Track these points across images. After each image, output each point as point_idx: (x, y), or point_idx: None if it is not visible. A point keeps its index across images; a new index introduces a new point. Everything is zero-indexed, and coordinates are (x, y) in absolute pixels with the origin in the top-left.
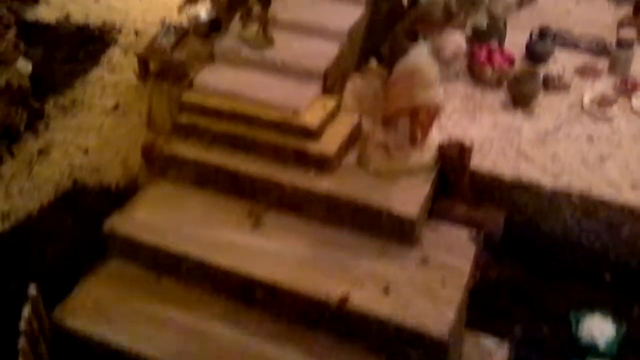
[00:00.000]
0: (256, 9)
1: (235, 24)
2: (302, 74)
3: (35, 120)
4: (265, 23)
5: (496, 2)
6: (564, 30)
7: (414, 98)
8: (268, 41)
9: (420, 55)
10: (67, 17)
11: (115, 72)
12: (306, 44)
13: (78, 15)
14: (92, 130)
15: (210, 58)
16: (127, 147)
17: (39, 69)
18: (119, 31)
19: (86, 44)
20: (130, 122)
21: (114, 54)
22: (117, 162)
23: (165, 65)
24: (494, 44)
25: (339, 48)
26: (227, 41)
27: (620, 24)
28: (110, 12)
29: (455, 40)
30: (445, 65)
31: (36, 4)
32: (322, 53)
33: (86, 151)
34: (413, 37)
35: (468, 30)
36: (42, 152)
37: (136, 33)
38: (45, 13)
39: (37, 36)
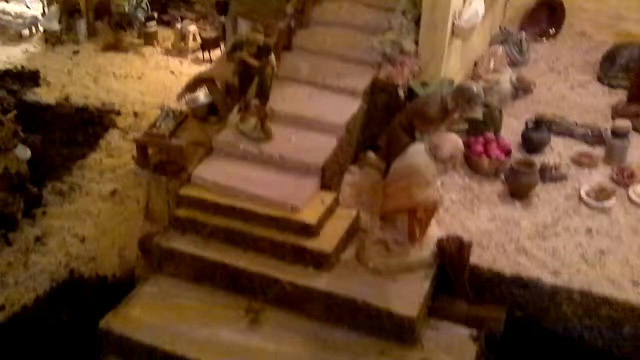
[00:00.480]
0: (254, 102)
1: (234, 115)
2: (300, 169)
3: (33, 206)
4: (263, 117)
5: (492, 93)
6: (559, 117)
7: (412, 197)
8: (266, 135)
9: (417, 154)
10: (66, 98)
11: (114, 156)
12: (304, 137)
13: (77, 97)
14: (89, 217)
15: (209, 147)
16: (124, 236)
17: (38, 153)
18: (118, 113)
19: (85, 126)
20: (127, 209)
21: (113, 137)
22: (114, 251)
23: (164, 152)
24: (490, 134)
25: (337, 142)
26: (226, 134)
27: (615, 111)
28: (109, 94)
29: (452, 139)
30: (443, 164)
31: (37, 86)
32: (320, 147)
33: (83, 239)
34: (410, 132)
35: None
36: (39, 241)
37: (135, 115)
38: (45, 94)
39: (36, 117)
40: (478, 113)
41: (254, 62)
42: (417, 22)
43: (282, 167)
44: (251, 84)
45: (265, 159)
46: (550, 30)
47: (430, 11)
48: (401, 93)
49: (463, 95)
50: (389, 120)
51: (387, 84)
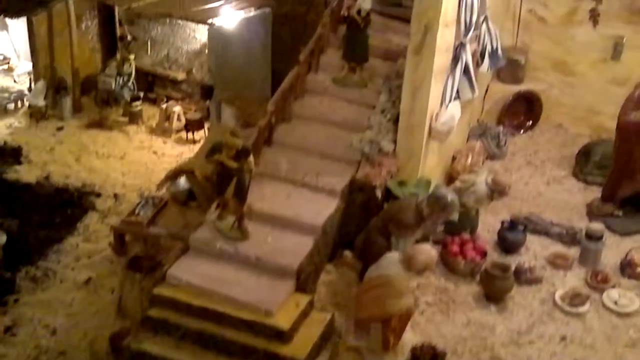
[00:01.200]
0: (233, 201)
1: (212, 212)
2: (275, 271)
3: (5, 293)
4: (241, 217)
5: (468, 194)
6: (535, 216)
7: (386, 308)
8: (243, 234)
9: (391, 264)
10: (47, 177)
11: (91, 240)
12: (281, 238)
13: (58, 176)
14: (61, 307)
15: (186, 243)
16: (95, 328)
17: (14, 237)
18: (98, 195)
19: (64, 207)
20: (101, 299)
21: (91, 220)
22: (84, 345)
23: (141, 240)
24: (466, 235)
25: (313, 243)
26: (203, 231)
27: (590, 209)
28: (90, 174)
29: (426, 250)
30: (417, 274)
31: (18, 163)
32: (296, 249)
33: (54, 331)
34: (386, 235)
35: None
36: (9, 330)
37: (115, 197)
38: (26, 172)
39: (15, 197)
40: (454, 216)
41: (232, 164)
42: (396, 121)
43: (257, 268)
44: (229, 184)
45: (241, 259)
46: (527, 122)
47: (408, 113)
48: (378, 193)
49: (438, 203)
50: (366, 219)
51: (365, 184)
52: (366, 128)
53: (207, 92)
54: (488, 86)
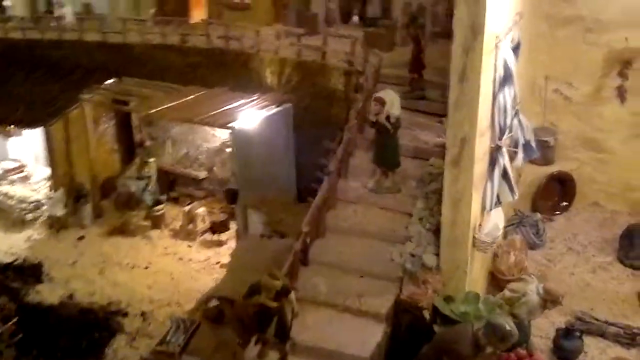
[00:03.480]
0: (274, 341)
1: (251, 349)
2: None
3: None
4: (284, 355)
5: (519, 305)
6: (587, 315)
7: None
8: None
9: None
10: (70, 296)
11: None
12: None
13: (82, 294)
14: None
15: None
16: None
17: None
18: (125, 314)
19: (90, 330)
20: None
21: (119, 344)
22: None
23: None
24: (522, 351)
25: None
26: None
27: None
28: (115, 288)
29: None
30: None
31: (39, 282)
32: None
33: None
34: None
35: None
36: None
37: (143, 316)
38: (49, 292)
39: (38, 321)
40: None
41: (272, 304)
42: (436, 231)
43: None
44: (270, 324)
45: None
46: (562, 203)
47: (450, 226)
48: (427, 315)
49: (496, 333)
50: (415, 344)
51: (411, 305)
52: (405, 239)
53: (232, 196)
54: (520, 171)
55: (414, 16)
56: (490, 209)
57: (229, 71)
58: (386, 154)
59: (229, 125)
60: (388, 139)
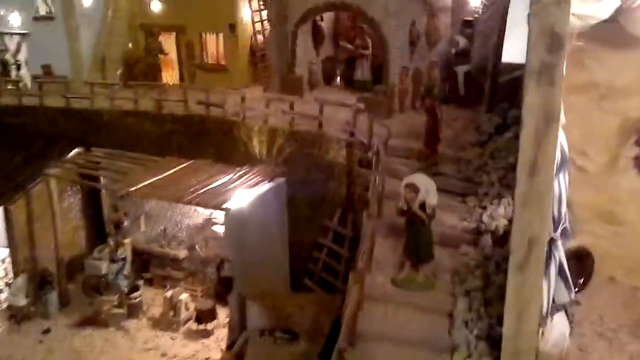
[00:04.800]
0: None
1: None
2: None
3: None
4: None
5: None
6: None
7: None
8: None
9: None
10: None
11: None
12: None
13: None
14: None
15: None
16: None
17: None
18: None
19: None
20: None
21: None
22: None
23: None
24: None
25: None
26: None
27: None
28: None
29: None
30: None
31: None
32: None
33: None
34: None
35: None
36: None
37: None
38: None
39: None
40: None
41: None
42: (488, 338)
43: None
44: None
45: None
46: (579, 280)
47: (513, 339)
48: None
49: None
50: None
51: None
52: (451, 347)
53: (226, 284)
54: None
55: (430, 87)
56: (547, 314)
57: (210, 140)
58: (419, 246)
59: (223, 206)
60: (422, 230)
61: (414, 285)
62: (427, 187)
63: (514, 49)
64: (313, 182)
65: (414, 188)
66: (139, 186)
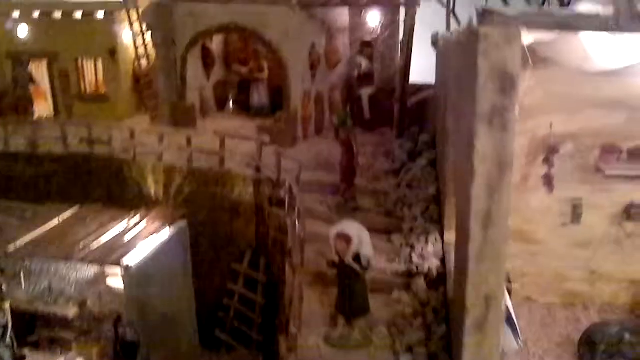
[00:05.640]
0: None
1: None
2: None
3: None
4: None
5: None
6: None
7: None
8: None
9: None
10: None
11: None
12: None
13: None
14: None
15: None
16: None
17: None
18: None
19: None
20: None
21: None
22: None
23: None
24: None
25: None
26: None
27: None
28: None
29: None
30: None
31: None
32: None
33: None
34: None
35: None
36: None
37: None
38: None
39: None
40: None
41: None
42: None
43: None
44: None
45: None
46: None
47: None
48: None
49: None
50: None
51: None
52: None
53: (128, 350)
54: None
55: (343, 118)
56: None
57: (97, 182)
58: (354, 300)
59: (121, 263)
60: (356, 283)
61: (350, 344)
62: (360, 236)
63: (414, 67)
64: (218, 223)
65: (345, 238)
66: (17, 245)
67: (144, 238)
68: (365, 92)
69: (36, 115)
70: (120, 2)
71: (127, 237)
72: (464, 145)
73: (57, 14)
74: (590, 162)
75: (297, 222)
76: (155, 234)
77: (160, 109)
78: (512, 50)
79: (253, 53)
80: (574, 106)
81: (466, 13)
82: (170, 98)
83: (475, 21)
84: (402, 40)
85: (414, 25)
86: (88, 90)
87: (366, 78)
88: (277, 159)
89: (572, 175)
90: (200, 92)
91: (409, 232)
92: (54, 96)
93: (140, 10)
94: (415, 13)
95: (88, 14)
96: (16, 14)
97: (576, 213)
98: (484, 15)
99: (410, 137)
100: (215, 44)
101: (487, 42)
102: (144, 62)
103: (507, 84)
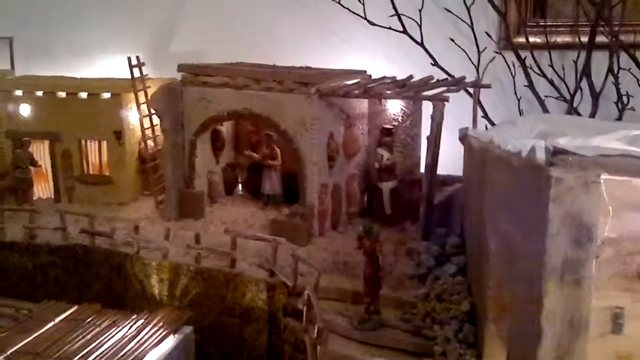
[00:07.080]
0: None
1: None
2: None
3: None
4: None
5: None
6: None
7: None
8: None
9: None
10: None
11: None
12: None
13: None
14: None
15: None
16: None
17: None
18: None
19: None
20: None
21: None
22: None
23: None
24: None
25: None
26: None
27: None
28: None
29: None
30: None
31: None
32: None
33: None
34: None
35: None
36: None
37: None
38: None
39: None
40: None
41: None
42: None
43: None
44: None
45: None
46: None
47: None
48: None
49: None
50: None
51: None
52: None
53: None
54: None
55: (369, 228)
56: None
57: (97, 276)
58: None
59: None
60: None
61: None
62: None
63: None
64: (226, 329)
65: None
66: (7, 354)
67: (146, 349)
68: (387, 187)
69: (35, 197)
70: (128, 84)
71: (128, 347)
72: (524, 295)
73: (62, 94)
74: (633, 268)
75: (317, 347)
76: (158, 344)
77: (167, 197)
78: (590, 196)
79: (266, 137)
80: None
81: (493, 109)
82: (177, 184)
83: (538, 154)
84: (429, 136)
85: (442, 121)
86: (91, 171)
87: (387, 171)
88: (294, 263)
89: (613, 282)
90: (208, 177)
91: (441, 357)
92: (54, 177)
93: (149, 92)
94: (444, 108)
95: (93, 94)
96: (18, 92)
97: (617, 323)
98: (555, 154)
99: (436, 239)
100: (226, 126)
101: (560, 187)
102: (150, 143)
103: (582, 235)
